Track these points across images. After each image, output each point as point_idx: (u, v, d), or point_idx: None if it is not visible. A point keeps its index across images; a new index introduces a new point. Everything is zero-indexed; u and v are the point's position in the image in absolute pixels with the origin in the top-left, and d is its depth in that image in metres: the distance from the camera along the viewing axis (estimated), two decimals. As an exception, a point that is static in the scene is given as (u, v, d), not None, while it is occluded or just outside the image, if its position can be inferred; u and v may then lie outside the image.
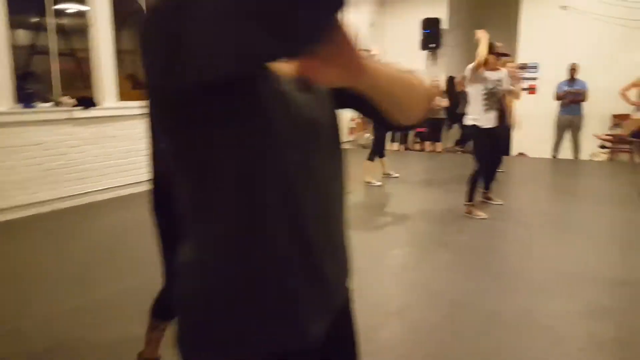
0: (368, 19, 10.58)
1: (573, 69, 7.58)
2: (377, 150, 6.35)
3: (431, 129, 9.77)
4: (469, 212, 4.71)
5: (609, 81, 7.70)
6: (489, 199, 5.21)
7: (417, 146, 10.54)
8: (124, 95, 6.06)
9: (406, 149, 10.14)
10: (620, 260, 3.57)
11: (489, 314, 2.74)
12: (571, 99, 7.63)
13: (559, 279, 3.22)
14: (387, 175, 6.74)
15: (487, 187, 5.18)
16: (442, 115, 9.58)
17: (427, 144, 9.93)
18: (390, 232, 4.51)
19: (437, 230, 4.54)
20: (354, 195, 5.70)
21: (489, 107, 4.61)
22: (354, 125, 10.39)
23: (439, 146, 9.91)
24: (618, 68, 8.01)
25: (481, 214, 4.67)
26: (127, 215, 4.96)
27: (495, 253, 3.93)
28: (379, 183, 6.32)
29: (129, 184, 5.91)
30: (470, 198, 4.71)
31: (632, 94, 7.17)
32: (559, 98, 7.77)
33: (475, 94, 4.62)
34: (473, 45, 10.84)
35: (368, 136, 10.22)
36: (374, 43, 10.80)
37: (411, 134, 10.61)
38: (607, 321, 2.64)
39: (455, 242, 4.07)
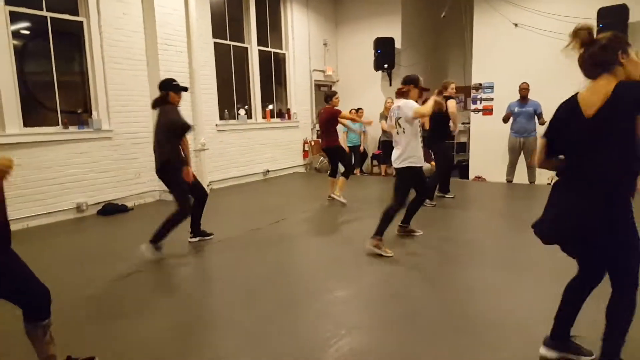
0: (321, 39, 10.25)
1: (524, 89, 7.28)
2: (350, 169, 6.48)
3: (384, 152, 9.38)
4: (377, 247, 4.09)
5: (563, 100, 7.49)
6: (411, 231, 4.72)
7: (377, 169, 10.13)
8: (30, 121, 5.44)
9: (361, 172, 9.67)
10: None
11: None
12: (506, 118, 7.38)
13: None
14: (332, 198, 6.42)
15: (407, 221, 4.71)
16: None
17: (384, 167, 9.52)
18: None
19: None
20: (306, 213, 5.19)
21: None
22: (307, 148, 9.90)
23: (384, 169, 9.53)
24: (573, 87, 7.81)
25: (389, 252, 4.07)
26: (32, 249, 4.20)
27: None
28: (344, 200, 6.21)
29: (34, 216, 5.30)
30: (381, 232, 4.14)
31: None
32: (504, 120, 7.45)
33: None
34: (428, 64, 10.75)
35: (322, 159, 9.75)
36: (328, 64, 10.48)
37: (368, 158, 10.22)
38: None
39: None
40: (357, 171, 9.57)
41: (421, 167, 4.32)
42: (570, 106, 2.09)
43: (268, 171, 8.88)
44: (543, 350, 2.29)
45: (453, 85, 6.41)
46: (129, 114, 6.47)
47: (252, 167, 8.52)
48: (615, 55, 1.97)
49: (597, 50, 2.01)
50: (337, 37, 10.71)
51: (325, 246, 4.60)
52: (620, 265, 2.01)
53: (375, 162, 10.27)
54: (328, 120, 6.28)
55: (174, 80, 4.38)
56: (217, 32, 7.88)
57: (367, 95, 10.24)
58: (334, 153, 6.47)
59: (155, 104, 4.32)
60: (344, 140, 9.33)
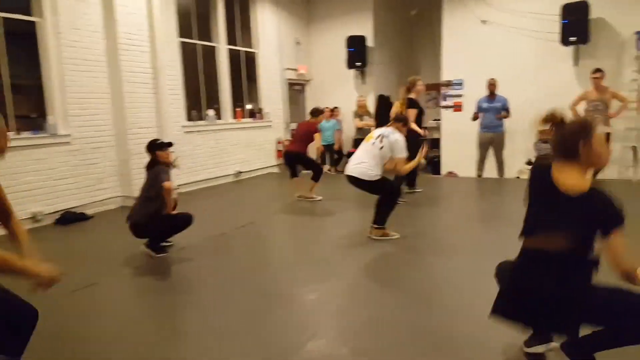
0: (293, 37, 10.14)
1: (492, 84, 7.35)
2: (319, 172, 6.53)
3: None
4: (384, 235, 4.43)
5: (531, 96, 7.57)
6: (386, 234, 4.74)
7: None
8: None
9: (337, 171, 9.61)
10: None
11: None
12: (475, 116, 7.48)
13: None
14: (302, 197, 6.51)
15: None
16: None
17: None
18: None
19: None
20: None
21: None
22: (281, 148, 9.79)
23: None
24: (539, 81, 7.93)
25: (394, 234, 4.38)
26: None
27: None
28: (319, 198, 6.40)
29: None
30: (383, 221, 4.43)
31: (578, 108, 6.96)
32: (474, 119, 7.55)
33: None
34: (402, 62, 10.74)
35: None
36: (301, 62, 10.38)
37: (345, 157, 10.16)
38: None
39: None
40: (332, 169, 9.53)
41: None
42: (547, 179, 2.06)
43: (240, 172, 8.75)
44: (528, 350, 2.26)
45: (420, 82, 6.39)
46: (89, 117, 6.27)
47: (222, 168, 8.38)
48: (577, 145, 1.95)
49: (560, 137, 2.02)
50: (309, 35, 10.61)
51: (297, 247, 4.55)
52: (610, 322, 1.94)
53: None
54: (309, 132, 6.47)
55: (157, 140, 4.46)
56: (184, 31, 7.71)
57: (340, 94, 10.18)
58: (301, 159, 6.48)
59: (148, 167, 4.33)
60: (318, 139, 9.23)
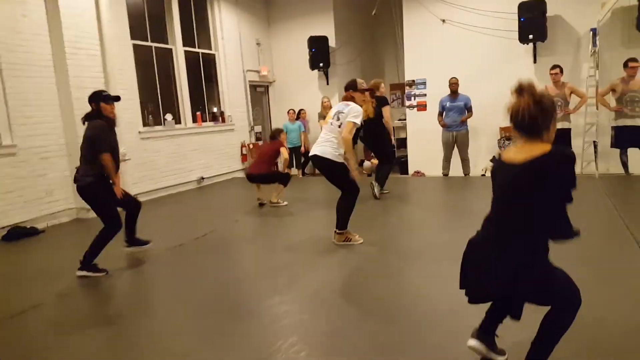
0: (254, 38, 9.92)
1: (453, 84, 7.35)
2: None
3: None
4: (347, 240, 4.32)
5: (493, 94, 7.57)
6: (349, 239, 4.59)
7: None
8: None
9: (304, 174, 9.45)
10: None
11: None
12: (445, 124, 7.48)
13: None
14: (268, 204, 6.32)
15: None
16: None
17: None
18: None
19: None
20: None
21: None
22: (246, 152, 9.56)
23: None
24: (500, 79, 7.94)
25: (358, 239, 4.29)
26: None
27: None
28: (285, 203, 6.25)
29: None
30: (345, 224, 4.31)
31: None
32: (443, 125, 7.54)
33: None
34: (365, 62, 10.68)
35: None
36: (263, 63, 10.17)
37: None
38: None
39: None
40: (299, 172, 9.36)
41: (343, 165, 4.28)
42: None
43: (203, 178, 8.47)
44: (472, 342, 2.18)
45: (383, 85, 6.38)
46: (36, 125, 5.89)
47: (183, 175, 8.08)
48: (548, 123, 1.87)
49: (538, 112, 1.87)
50: (270, 36, 10.41)
51: (259, 257, 4.34)
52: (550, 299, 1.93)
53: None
54: (272, 154, 6.33)
55: (104, 91, 4.08)
56: (137, 33, 7.38)
57: (304, 95, 10.03)
58: (265, 178, 6.25)
59: (87, 118, 3.92)
60: (284, 152, 8.96)
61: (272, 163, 6.43)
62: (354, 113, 4.16)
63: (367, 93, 4.45)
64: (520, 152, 1.89)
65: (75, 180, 3.91)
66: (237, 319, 2.97)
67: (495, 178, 2.04)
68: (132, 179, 6.93)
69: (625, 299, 2.89)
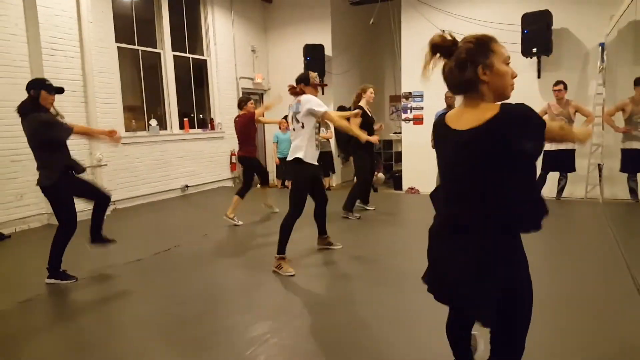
0: (249, 45, 9.67)
1: (449, 97, 6.95)
2: (247, 187, 5.91)
3: (318, 163, 8.87)
4: (278, 267, 3.87)
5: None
6: (330, 244, 4.52)
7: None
8: None
9: (283, 185, 9.07)
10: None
11: None
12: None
13: None
14: (269, 206, 6.29)
15: (323, 232, 4.50)
16: (329, 147, 8.76)
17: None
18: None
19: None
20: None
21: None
22: (235, 160, 9.27)
23: (327, 181, 9.02)
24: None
25: (290, 270, 3.83)
26: None
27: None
28: (240, 222, 5.74)
29: None
30: (282, 249, 3.90)
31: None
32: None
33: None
34: (362, 72, 10.35)
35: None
36: (258, 70, 9.91)
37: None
38: None
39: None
40: (278, 182, 9.10)
41: (317, 167, 3.97)
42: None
43: (187, 187, 8.19)
44: None
45: (372, 90, 5.99)
46: (7, 127, 5.64)
47: (167, 182, 7.80)
48: (476, 72, 1.52)
49: (454, 67, 1.56)
50: (266, 43, 10.16)
51: (219, 276, 3.98)
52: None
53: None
54: (244, 126, 5.81)
55: (47, 80, 3.83)
56: (124, 35, 7.16)
57: (300, 104, 9.71)
58: (249, 164, 5.93)
59: (24, 109, 3.71)
60: (274, 152, 8.81)
61: (248, 141, 5.83)
62: (312, 103, 3.81)
63: (319, 88, 4.06)
64: (464, 116, 1.56)
65: (38, 181, 3.79)
66: (193, 353, 2.62)
67: (439, 147, 1.70)
68: (109, 186, 6.67)
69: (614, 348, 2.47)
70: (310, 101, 3.83)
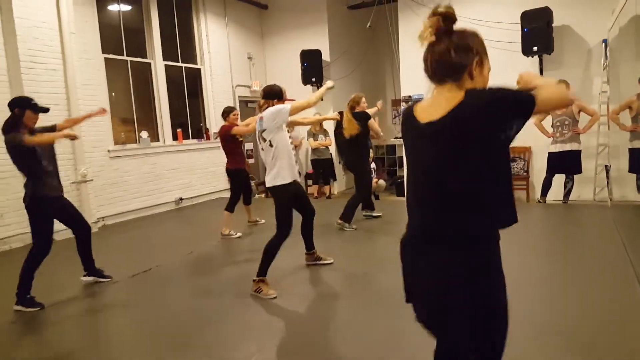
0: (245, 52, 9.49)
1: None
2: (235, 200, 5.74)
3: (317, 171, 8.64)
4: (258, 291, 3.58)
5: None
6: (319, 259, 4.27)
7: (310, 190, 9.33)
8: None
9: (266, 195, 8.82)
10: None
11: None
12: None
13: None
14: (253, 223, 6.13)
15: (310, 247, 4.26)
16: (328, 155, 8.54)
17: (316, 187, 8.75)
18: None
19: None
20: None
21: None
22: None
23: (327, 189, 8.78)
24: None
25: (271, 293, 3.55)
26: None
27: None
28: (238, 234, 5.62)
29: None
30: (263, 272, 3.62)
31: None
32: None
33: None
34: (362, 77, 10.10)
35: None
36: (255, 78, 9.72)
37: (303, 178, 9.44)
38: None
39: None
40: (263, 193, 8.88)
41: (295, 182, 3.74)
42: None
43: (182, 199, 7.99)
44: None
45: (364, 99, 5.82)
46: (-13, 144, 5.50)
47: (159, 196, 7.60)
48: (471, 62, 1.42)
49: (453, 49, 1.41)
50: (263, 49, 9.97)
51: (195, 304, 3.72)
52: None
53: (310, 182, 9.49)
54: (224, 138, 5.65)
55: (32, 99, 3.81)
56: (111, 46, 7.01)
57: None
58: (236, 177, 5.74)
59: (5, 127, 3.68)
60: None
61: (233, 152, 5.68)
62: (276, 112, 3.53)
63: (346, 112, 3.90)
64: (431, 107, 1.44)
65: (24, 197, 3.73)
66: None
67: (407, 141, 1.55)
68: (97, 201, 6.49)
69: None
70: (273, 112, 3.57)
